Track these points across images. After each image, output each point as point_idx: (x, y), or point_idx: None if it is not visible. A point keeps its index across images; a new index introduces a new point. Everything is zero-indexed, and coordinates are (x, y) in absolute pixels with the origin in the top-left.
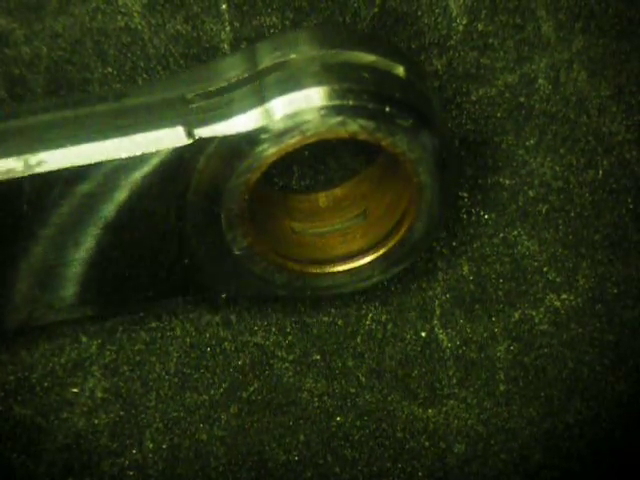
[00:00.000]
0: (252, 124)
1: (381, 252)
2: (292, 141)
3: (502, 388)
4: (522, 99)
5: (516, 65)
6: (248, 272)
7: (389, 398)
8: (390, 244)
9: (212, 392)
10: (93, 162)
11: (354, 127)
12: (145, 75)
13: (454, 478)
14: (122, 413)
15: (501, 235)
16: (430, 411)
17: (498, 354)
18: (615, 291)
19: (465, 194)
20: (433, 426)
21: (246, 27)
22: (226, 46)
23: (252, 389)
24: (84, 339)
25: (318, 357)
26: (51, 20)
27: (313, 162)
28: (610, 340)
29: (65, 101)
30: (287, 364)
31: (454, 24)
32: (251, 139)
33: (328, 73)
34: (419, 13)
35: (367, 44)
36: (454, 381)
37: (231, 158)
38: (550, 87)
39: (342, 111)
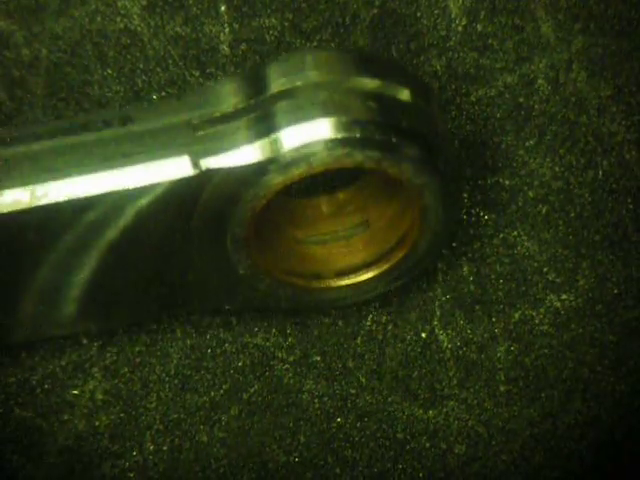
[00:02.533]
0: (259, 156)
1: (385, 267)
2: (298, 171)
3: (502, 389)
4: (521, 99)
5: (515, 66)
6: (252, 288)
7: (389, 399)
8: (394, 260)
9: (212, 393)
10: (100, 193)
11: (360, 158)
12: (144, 77)
13: (455, 479)
14: (123, 415)
15: (501, 236)
16: (430, 412)
17: (498, 355)
18: (615, 291)
19: (465, 195)
20: (433, 427)
21: (245, 29)
22: (225, 47)
23: (252, 390)
24: (84, 341)
25: (318, 358)
26: (51, 22)
27: None
28: (610, 340)
29: (71, 124)
30: (287, 365)
31: (453, 25)
32: (258, 170)
33: (335, 103)
34: (418, 14)
35: (373, 65)
36: (454, 382)
37: (237, 187)
38: (549, 87)
39: (349, 143)
